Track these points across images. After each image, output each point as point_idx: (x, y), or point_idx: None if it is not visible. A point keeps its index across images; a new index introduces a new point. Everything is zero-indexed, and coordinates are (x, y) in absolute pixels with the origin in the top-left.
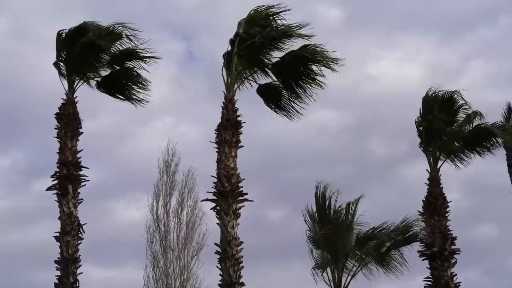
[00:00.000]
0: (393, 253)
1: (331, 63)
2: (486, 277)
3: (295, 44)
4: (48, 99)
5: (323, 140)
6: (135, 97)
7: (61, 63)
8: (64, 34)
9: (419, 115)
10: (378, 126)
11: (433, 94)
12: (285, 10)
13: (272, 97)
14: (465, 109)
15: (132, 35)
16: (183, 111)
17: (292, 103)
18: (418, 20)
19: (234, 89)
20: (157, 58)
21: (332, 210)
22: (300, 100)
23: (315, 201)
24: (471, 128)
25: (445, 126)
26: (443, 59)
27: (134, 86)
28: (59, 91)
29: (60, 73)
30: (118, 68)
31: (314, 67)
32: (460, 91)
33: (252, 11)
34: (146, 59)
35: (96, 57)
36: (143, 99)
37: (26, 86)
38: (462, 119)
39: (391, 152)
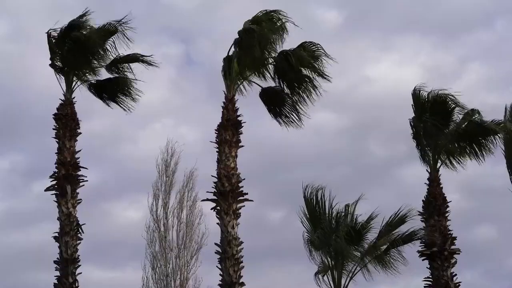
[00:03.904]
0: (392, 252)
1: (320, 71)
2: (485, 278)
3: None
4: (47, 101)
5: (322, 141)
6: (123, 104)
7: (58, 63)
8: (53, 33)
9: (413, 116)
10: (377, 127)
11: (424, 94)
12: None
13: (273, 103)
14: (459, 111)
15: (125, 32)
16: (182, 114)
17: (294, 110)
18: (415, 22)
19: (234, 88)
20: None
21: (321, 212)
22: (301, 105)
23: (304, 204)
24: (466, 125)
25: (440, 128)
26: (441, 61)
27: (123, 93)
28: (58, 93)
29: (57, 73)
30: (115, 71)
31: (306, 72)
32: (452, 93)
33: (260, 14)
34: (145, 62)
35: (91, 54)
36: (131, 106)
37: (25, 88)
38: (457, 120)
39: (390, 153)
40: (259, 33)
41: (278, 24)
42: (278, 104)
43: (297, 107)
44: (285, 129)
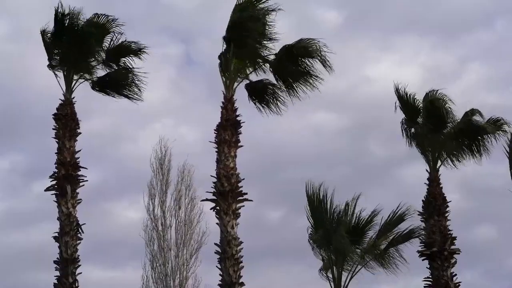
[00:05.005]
0: (391, 251)
1: (324, 59)
2: (485, 278)
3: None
4: (47, 101)
5: (321, 141)
6: (130, 94)
7: (56, 63)
8: (49, 32)
9: (404, 118)
10: (377, 127)
11: (410, 96)
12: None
13: (258, 93)
14: (452, 115)
15: (118, 27)
16: (182, 114)
17: (277, 97)
18: (415, 22)
19: (233, 88)
20: (146, 49)
21: (324, 210)
22: (287, 95)
23: (307, 202)
24: (464, 125)
25: (436, 129)
26: (441, 61)
27: (128, 85)
28: (58, 93)
29: (55, 73)
30: (113, 65)
31: (308, 63)
32: (446, 96)
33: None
34: (139, 52)
35: (89, 49)
36: (138, 97)
37: (25, 88)
38: (455, 120)
39: (390, 153)
40: (248, 19)
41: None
42: (261, 92)
43: (278, 95)
44: (265, 116)
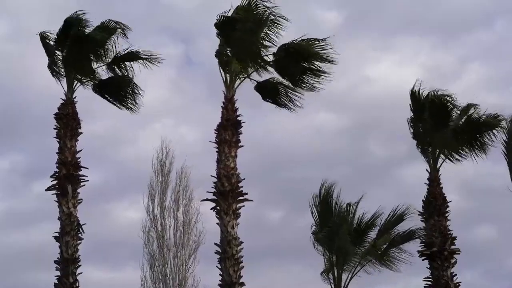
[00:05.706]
0: (392, 251)
1: (326, 57)
2: (485, 278)
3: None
4: (47, 101)
5: (322, 141)
6: (128, 104)
7: (58, 64)
8: (49, 34)
9: (411, 115)
10: (377, 127)
11: (423, 94)
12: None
13: (270, 93)
14: (456, 111)
15: (124, 31)
16: (182, 114)
17: (290, 96)
18: (415, 22)
19: (234, 88)
20: (158, 58)
21: (333, 210)
22: (299, 93)
23: (318, 199)
24: (464, 121)
25: (439, 128)
26: (441, 61)
27: (127, 94)
28: (58, 93)
29: (56, 75)
30: (116, 69)
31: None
32: (451, 94)
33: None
34: (148, 60)
35: (93, 53)
36: (135, 106)
37: (25, 88)
38: (455, 118)
39: (390, 153)
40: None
41: (263, 12)
42: (273, 93)
43: (291, 94)
44: (285, 117)
